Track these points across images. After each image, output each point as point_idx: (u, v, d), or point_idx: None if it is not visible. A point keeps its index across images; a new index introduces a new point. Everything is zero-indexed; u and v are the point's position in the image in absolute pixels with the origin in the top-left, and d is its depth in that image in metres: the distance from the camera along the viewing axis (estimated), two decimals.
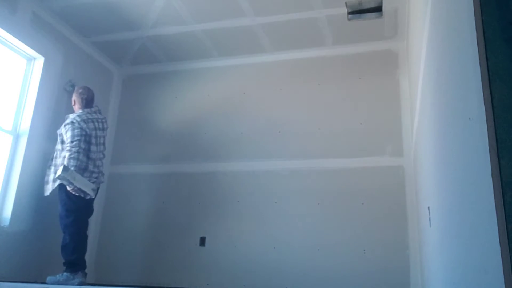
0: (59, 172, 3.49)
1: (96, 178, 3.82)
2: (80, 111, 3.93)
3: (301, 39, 4.65)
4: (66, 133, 3.72)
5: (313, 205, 4.31)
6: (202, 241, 4.51)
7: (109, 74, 5.24)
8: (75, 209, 3.66)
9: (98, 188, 3.95)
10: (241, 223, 4.46)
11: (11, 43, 4.01)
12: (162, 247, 4.61)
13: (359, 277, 3.99)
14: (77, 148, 3.63)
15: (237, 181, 4.61)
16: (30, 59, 4.25)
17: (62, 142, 3.76)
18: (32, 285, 3.39)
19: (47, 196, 3.85)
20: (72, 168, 3.54)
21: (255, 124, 4.76)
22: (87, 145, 3.74)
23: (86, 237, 3.84)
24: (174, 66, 5.22)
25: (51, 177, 3.75)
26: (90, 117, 3.88)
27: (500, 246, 0.99)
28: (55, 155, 3.82)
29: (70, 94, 4.30)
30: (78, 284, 3.47)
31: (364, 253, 4.05)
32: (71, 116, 3.85)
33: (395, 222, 4.06)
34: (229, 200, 4.56)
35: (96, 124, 3.89)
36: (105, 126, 4.03)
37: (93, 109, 4.01)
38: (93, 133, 3.82)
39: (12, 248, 3.80)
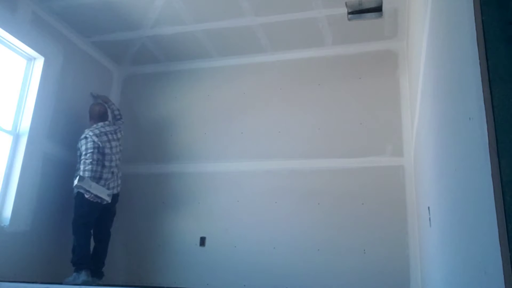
0: (75, 182, 3.79)
1: (113, 187, 4.13)
2: (94, 125, 4.26)
3: (301, 39, 4.65)
4: (81, 147, 4.07)
5: (313, 205, 4.31)
6: (202, 241, 4.51)
7: (109, 74, 5.24)
8: (86, 215, 3.95)
9: (117, 194, 4.25)
10: (241, 223, 4.46)
11: (11, 43, 4.01)
12: (162, 247, 4.61)
13: (359, 277, 3.99)
14: (90, 160, 3.96)
15: (237, 181, 4.61)
16: (30, 59, 4.25)
17: (80, 155, 4.09)
18: (32, 285, 3.40)
19: (48, 196, 4.13)
20: (87, 177, 3.86)
21: (255, 124, 4.76)
22: (101, 155, 4.06)
23: (101, 240, 4.19)
24: (174, 66, 5.22)
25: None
26: (103, 130, 4.23)
27: (500, 246, 0.99)
28: (77, 166, 4.11)
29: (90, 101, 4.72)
30: (82, 283, 3.66)
31: (364, 253, 4.05)
32: (86, 131, 4.18)
33: (395, 222, 4.06)
34: (229, 200, 4.56)
35: (109, 136, 4.24)
36: (118, 136, 4.36)
37: (106, 122, 4.36)
38: (107, 144, 4.16)
39: (12, 248, 3.80)
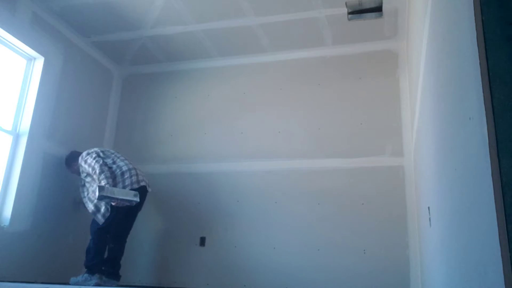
0: (97, 193, 3.57)
1: (140, 181, 3.99)
2: None
3: (301, 39, 4.65)
4: (84, 170, 4.06)
5: (313, 205, 4.31)
6: (202, 241, 4.51)
7: (109, 74, 5.24)
8: (110, 220, 3.86)
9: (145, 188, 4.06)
10: (241, 223, 4.46)
11: (11, 43, 4.01)
12: (162, 247, 4.61)
13: (359, 277, 3.99)
14: (99, 170, 3.84)
15: (237, 181, 4.61)
16: (30, 59, 4.25)
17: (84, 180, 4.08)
18: (32, 285, 3.40)
19: (48, 196, 4.12)
20: (105, 185, 3.69)
21: (255, 124, 4.75)
22: (106, 165, 3.96)
23: (118, 244, 3.99)
24: (174, 66, 5.22)
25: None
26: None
27: (500, 246, 0.99)
28: (81, 190, 4.09)
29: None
30: (95, 285, 3.67)
31: (364, 253, 4.05)
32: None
33: (395, 222, 4.06)
34: (229, 200, 4.56)
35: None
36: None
37: None
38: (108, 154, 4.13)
39: (12, 248, 3.80)
